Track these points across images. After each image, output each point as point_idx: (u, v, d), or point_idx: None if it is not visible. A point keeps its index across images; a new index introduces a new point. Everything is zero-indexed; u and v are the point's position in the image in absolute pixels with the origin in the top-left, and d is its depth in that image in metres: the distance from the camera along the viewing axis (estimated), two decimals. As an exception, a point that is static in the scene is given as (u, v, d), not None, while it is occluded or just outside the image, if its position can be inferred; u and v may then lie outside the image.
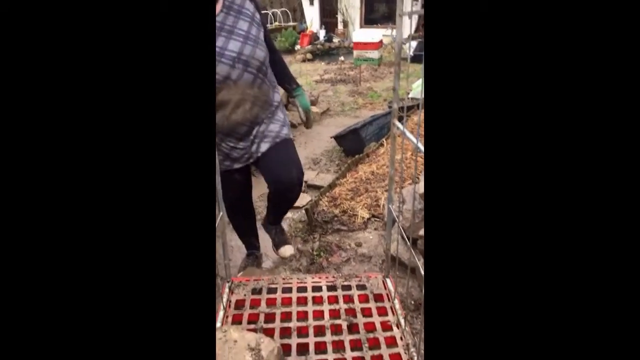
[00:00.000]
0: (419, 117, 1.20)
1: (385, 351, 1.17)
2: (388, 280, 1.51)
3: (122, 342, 0.46)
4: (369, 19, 10.82)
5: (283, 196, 1.54)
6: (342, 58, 8.33)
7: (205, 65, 0.52)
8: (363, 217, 2.21)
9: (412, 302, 1.57)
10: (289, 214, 2.35)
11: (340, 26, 11.11)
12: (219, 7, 1.23)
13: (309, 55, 8.86)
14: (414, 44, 7.31)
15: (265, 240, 1.89)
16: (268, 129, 1.45)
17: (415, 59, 6.58)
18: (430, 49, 0.51)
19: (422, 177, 1.72)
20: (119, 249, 0.47)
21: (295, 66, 7.68)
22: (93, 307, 0.46)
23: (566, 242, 0.45)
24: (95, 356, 0.45)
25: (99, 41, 0.46)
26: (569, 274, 0.44)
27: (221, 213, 1.26)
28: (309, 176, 2.89)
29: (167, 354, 0.48)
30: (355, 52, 6.04)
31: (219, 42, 1.22)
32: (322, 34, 10.93)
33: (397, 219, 1.45)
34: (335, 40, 10.43)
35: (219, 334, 1.00)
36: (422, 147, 0.92)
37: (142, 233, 0.48)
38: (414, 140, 1.02)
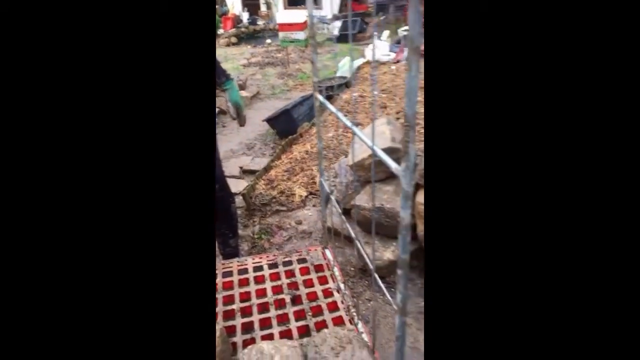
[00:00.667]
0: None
1: (328, 316, 1.22)
2: (327, 251, 1.56)
3: (120, 334, 0.47)
4: (293, 1, 10.66)
5: None
6: (269, 41, 8.15)
7: (205, 64, 0.53)
8: (301, 196, 2.25)
9: (352, 269, 1.65)
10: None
11: (263, 8, 10.81)
12: None
13: (233, 39, 8.52)
14: (338, 23, 7.40)
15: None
16: None
17: (340, 39, 6.67)
18: (430, 49, 0.50)
19: (350, 151, 1.78)
20: (118, 242, 0.48)
21: (219, 51, 7.35)
22: (93, 300, 0.47)
23: (563, 238, 0.45)
24: (95, 350, 0.46)
25: (99, 41, 0.47)
26: (567, 269, 0.44)
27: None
28: (244, 162, 2.83)
29: (166, 350, 0.48)
30: (281, 34, 5.96)
31: None
32: (245, 16, 10.53)
33: (330, 192, 1.50)
34: (260, 22, 10.14)
35: None
36: (349, 123, 0.95)
37: (142, 229, 0.49)
38: (340, 116, 1.05)
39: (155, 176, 0.50)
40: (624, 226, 0.42)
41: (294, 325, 1.19)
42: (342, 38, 6.73)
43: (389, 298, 0.87)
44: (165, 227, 0.50)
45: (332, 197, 1.52)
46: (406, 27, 6.43)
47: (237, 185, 2.45)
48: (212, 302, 0.56)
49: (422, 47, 0.51)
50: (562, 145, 0.44)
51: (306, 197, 2.26)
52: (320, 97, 1.31)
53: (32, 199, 0.45)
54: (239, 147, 3.17)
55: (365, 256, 1.06)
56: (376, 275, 0.95)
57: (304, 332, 1.14)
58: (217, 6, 10.69)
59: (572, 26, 0.43)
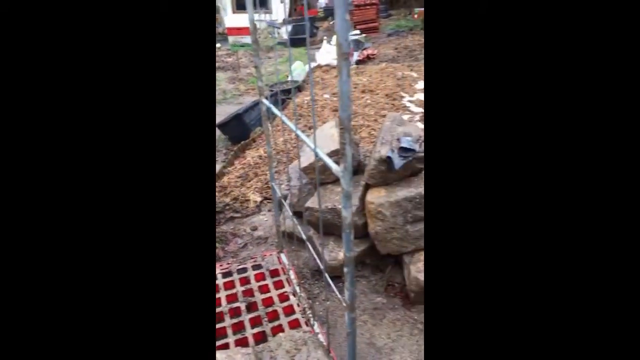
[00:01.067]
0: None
1: (284, 320, 1.22)
2: (282, 255, 1.56)
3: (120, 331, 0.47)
4: (241, 4, 10.51)
5: None
6: (218, 45, 7.98)
7: (205, 63, 0.53)
8: (255, 201, 2.22)
9: (308, 271, 1.66)
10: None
11: (211, 11, 10.57)
12: None
13: (181, 44, 8.24)
14: (288, 27, 7.42)
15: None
16: None
17: (292, 43, 6.70)
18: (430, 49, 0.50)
19: (302, 154, 1.80)
20: (119, 240, 0.48)
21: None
22: (94, 297, 0.47)
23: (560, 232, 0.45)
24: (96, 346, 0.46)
25: (99, 40, 0.47)
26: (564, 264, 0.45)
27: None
28: (195, 169, 2.75)
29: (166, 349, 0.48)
30: (231, 38, 5.86)
31: None
32: (193, 20, 10.22)
33: (284, 195, 1.50)
34: (209, 26, 9.90)
35: None
36: (293, 127, 0.96)
37: (144, 227, 0.49)
38: (285, 120, 1.06)
39: (155, 176, 0.50)
40: (623, 227, 0.43)
41: (249, 332, 1.17)
42: (293, 42, 6.76)
43: (339, 296, 0.89)
44: (168, 228, 0.50)
45: (284, 201, 1.53)
46: (355, 32, 6.61)
47: (188, 194, 2.37)
48: (212, 303, 0.56)
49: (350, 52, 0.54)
50: (560, 146, 0.45)
51: (261, 202, 2.23)
52: (267, 102, 1.31)
53: (38, 202, 0.45)
54: (189, 155, 3.07)
55: (316, 257, 1.07)
56: (327, 275, 0.96)
57: (261, 338, 1.14)
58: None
59: (568, 28, 0.44)
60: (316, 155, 0.78)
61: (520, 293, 0.46)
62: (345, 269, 0.74)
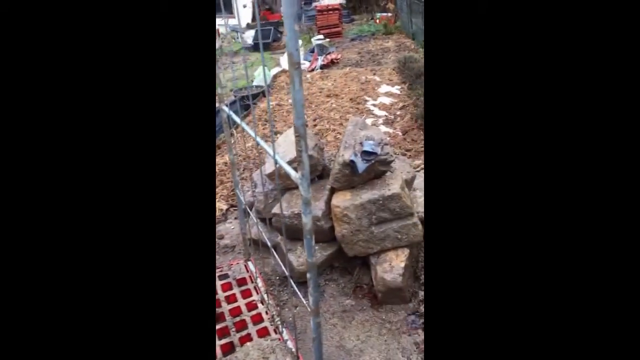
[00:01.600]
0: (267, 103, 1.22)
1: (252, 329, 1.21)
2: (250, 263, 1.54)
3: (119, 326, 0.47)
4: (203, 8, 10.34)
5: None
6: (180, 50, 7.77)
7: (205, 62, 0.54)
8: (221, 209, 2.18)
9: (277, 278, 1.65)
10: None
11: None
12: None
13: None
14: (252, 32, 7.37)
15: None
16: None
17: (255, 48, 6.66)
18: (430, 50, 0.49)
19: (267, 160, 1.79)
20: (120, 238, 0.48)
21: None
22: (94, 294, 0.46)
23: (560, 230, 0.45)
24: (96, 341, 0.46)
25: (99, 40, 0.46)
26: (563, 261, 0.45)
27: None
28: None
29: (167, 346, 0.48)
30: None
31: None
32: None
33: (251, 202, 1.49)
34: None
35: None
36: (253, 134, 0.95)
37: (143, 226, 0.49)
38: (246, 127, 1.05)
39: (154, 177, 0.50)
40: (623, 231, 0.43)
41: (217, 344, 1.15)
42: (256, 47, 6.71)
43: (304, 301, 0.89)
44: (168, 229, 0.50)
45: (250, 209, 1.51)
46: (319, 36, 6.66)
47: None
48: (212, 306, 0.57)
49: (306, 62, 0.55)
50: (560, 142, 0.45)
51: (227, 210, 2.20)
52: (226, 109, 1.30)
53: (37, 201, 0.45)
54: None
55: (280, 263, 1.07)
56: (292, 281, 0.96)
57: (228, 349, 1.12)
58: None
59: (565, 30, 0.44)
60: (275, 162, 0.79)
61: (520, 293, 0.46)
62: (308, 275, 0.75)
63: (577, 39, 0.44)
